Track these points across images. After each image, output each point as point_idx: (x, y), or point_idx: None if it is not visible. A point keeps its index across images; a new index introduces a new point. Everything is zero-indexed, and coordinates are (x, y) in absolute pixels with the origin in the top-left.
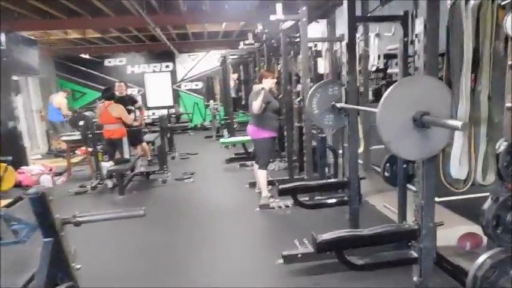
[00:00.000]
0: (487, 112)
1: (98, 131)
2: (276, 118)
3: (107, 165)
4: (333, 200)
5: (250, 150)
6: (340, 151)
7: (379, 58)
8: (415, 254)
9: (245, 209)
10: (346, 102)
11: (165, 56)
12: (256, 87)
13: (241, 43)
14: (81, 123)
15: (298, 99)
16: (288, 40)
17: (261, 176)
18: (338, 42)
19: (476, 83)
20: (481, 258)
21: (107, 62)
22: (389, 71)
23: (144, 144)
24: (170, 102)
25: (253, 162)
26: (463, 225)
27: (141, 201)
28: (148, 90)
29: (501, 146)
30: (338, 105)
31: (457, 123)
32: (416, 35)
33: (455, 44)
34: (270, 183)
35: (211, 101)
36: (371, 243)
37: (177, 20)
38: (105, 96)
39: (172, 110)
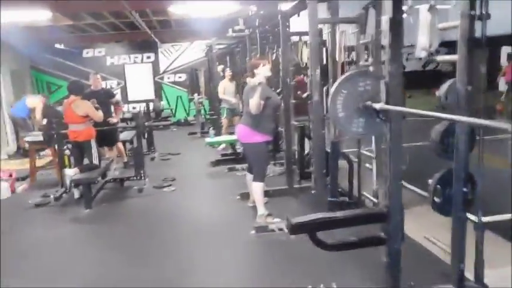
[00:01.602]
0: None
1: (64, 131)
2: (273, 118)
3: (70, 172)
4: (364, 238)
5: (240, 150)
6: (355, 159)
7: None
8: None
9: (236, 232)
10: (387, 102)
11: (146, 46)
12: (251, 82)
13: (230, 30)
14: (44, 121)
15: (305, 95)
16: (287, 24)
17: (257, 189)
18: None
19: None
20: None
21: (85, 53)
22: (440, 58)
23: (120, 144)
24: (152, 96)
25: (246, 171)
26: None
27: (109, 218)
28: (129, 83)
29: None
30: (377, 106)
31: None
32: None
33: None
34: (265, 193)
35: (196, 95)
36: (343, 225)
37: (155, 3)
38: (70, 91)
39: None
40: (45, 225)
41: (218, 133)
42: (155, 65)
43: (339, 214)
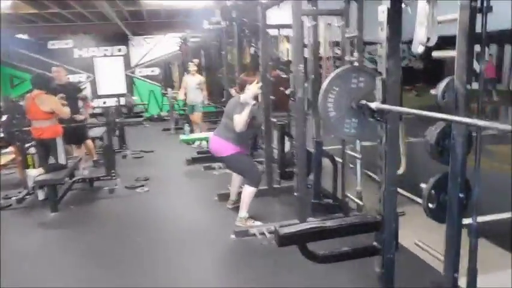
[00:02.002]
0: None
1: (27, 128)
2: (252, 136)
3: (33, 173)
4: (357, 249)
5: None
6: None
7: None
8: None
9: (214, 236)
10: (384, 101)
11: (117, 38)
12: (239, 97)
13: (206, 22)
14: (4, 117)
15: (288, 91)
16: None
17: (248, 193)
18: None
19: None
20: None
21: (50, 45)
22: (437, 54)
23: (89, 141)
24: (123, 90)
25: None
26: None
27: (78, 222)
28: (98, 77)
29: None
30: (372, 105)
31: None
32: None
33: None
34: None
35: (169, 89)
36: (336, 235)
37: None
38: (34, 85)
39: (125, 100)
40: (5, 232)
41: (193, 130)
42: (126, 58)
43: (330, 223)
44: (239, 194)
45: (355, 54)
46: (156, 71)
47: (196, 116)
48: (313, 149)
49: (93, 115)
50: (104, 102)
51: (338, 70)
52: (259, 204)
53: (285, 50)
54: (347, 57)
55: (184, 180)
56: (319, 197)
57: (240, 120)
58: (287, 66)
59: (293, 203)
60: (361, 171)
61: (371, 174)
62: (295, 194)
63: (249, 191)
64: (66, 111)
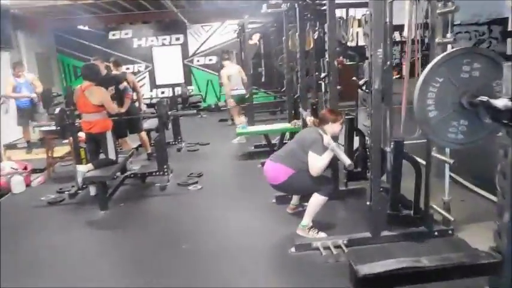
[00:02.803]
0: None
1: (78, 121)
2: None
3: (82, 169)
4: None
5: (275, 141)
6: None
7: None
8: None
9: (271, 248)
10: None
11: (175, 27)
12: (310, 124)
13: (264, 5)
14: (57, 110)
15: (362, 81)
16: None
17: (317, 201)
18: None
19: None
20: None
21: (111, 35)
22: None
23: (143, 133)
24: (181, 80)
25: None
26: None
27: (126, 222)
28: (156, 66)
29: None
30: (498, 103)
31: None
32: None
33: None
34: (302, 197)
35: None
36: (435, 278)
37: None
38: (84, 76)
39: (181, 90)
40: (53, 229)
41: (252, 121)
42: (184, 47)
43: (428, 262)
44: (301, 198)
45: (448, 35)
46: (214, 59)
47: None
48: (392, 149)
49: (150, 105)
50: (162, 92)
51: (444, 54)
52: (323, 209)
53: (355, 34)
54: (438, 39)
55: (240, 177)
56: (397, 208)
57: (319, 164)
58: (356, 52)
59: (361, 208)
60: (449, 177)
61: (462, 180)
62: (368, 203)
63: (318, 199)
64: (113, 107)
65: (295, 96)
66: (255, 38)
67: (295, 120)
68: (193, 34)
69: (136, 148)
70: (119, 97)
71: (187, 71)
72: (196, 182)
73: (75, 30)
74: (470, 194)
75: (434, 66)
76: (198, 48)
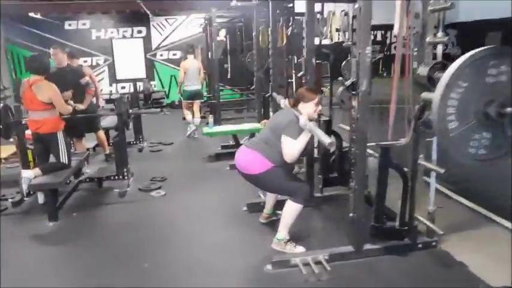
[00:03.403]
0: None
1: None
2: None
3: (28, 174)
4: None
5: (243, 141)
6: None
7: None
8: None
9: (244, 264)
10: None
11: (137, 19)
12: (284, 106)
13: None
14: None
15: (348, 82)
16: None
17: (291, 210)
18: None
19: None
20: None
21: (67, 25)
22: None
23: (100, 133)
24: (143, 74)
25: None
26: None
27: (79, 235)
28: (117, 60)
29: None
30: None
31: None
32: None
33: None
34: (276, 204)
35: None
36: None
37: None
38: (30, 69)
39: (143, 86)
40: None
41: (218, 120)
42: (147, 40)
43: None
44: (275, 205)
45: (440, 34)
46: (178, 54)
47: (193, 104)
48: (379, 156)
49: (109, 101)
50: (123, 87)
51: (469, 55)
52: (298, 218)
53: (334, 31)
54: (429, 38)
55: (206, 181)
56: (382, 219)
57: (293, 149)
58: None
59: (338, 217)
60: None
61: (446, 191)
62: (351, 214)
63: (292, 208)
64: (66, 107)
65: (266, 95)
66: (222, 34)
67: (265, 120)
68: (156, 27)
69: (94, 148)
70: (80, 92)
71: (150, 66)
72: (160, 187)
73: (27, 18)
74: (448, 201)
75: (459, 68)
76: (161, 42)
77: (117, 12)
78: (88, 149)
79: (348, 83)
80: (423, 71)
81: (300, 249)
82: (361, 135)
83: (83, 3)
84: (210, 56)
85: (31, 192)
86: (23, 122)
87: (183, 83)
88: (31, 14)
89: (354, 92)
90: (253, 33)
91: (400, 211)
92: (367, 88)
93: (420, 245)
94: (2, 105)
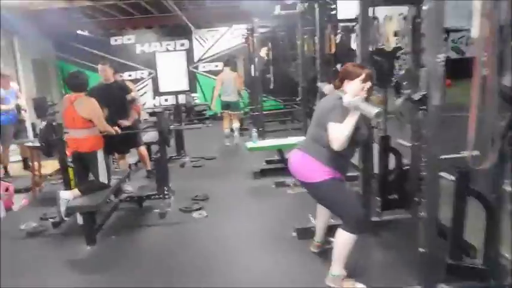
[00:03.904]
0: None
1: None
2: (352, 155)
3: (67, 195)
4: None
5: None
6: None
7: None
8: None
9: None
10: None
11: (179, 31)
12: (329, 92)
13: (277, 7)
14: (43, 124)
15: (417, 95)
16: None
17: (343, 241)
18: None
19: None
20: None
21: (113, 41)
22: None
23: (142, 148)
24: (185, 87)
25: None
26: None
27: (117, 261)
28: (160, 73)
29: None
30: None
31: None
32: None
33: None
34: (328, 229)
35: None
36: None
37: None
38: (70, 87)
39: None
40: (25, 269)
41: (263, 134)
42: (189, 52)
43: None
44: (327, 231)
45: None
46: (220, 65)
47: (232, 116)
48: (455, 182)
49: (152, 114)
50: (166, 100)
51: None
52: (353, 247)
53: (391, 36)
54: None
55: (252, 201)
56: (459, 256)
57: (339, 134)
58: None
59: (400, 246)
60: None
61: None
62: (421, 249)
63: (345, 238)
64: (105, 125)
65: (313, 106)
66: (264, 50)
67: None
68: (198, 39)
69: (135, 164)
70: (124, 109)
71: (192, 78)
72: (202, 208)
73: (75, 36)
74: None
75: None
76: (203, 54)
77: (160, 27)
78: (130, 165)
79: (416, 96)
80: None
81: (359, 286)
82: (432, 158)
83: (129, 19)
84: (252, 67)
85: (67, 217)
86: (64, 139)
87: (219, 95)
88: (79, 32)
89: (423, 107)
90: (298, 42)
91: (484, 247)
92: (440, 102)
93: None
94: (45, 123)
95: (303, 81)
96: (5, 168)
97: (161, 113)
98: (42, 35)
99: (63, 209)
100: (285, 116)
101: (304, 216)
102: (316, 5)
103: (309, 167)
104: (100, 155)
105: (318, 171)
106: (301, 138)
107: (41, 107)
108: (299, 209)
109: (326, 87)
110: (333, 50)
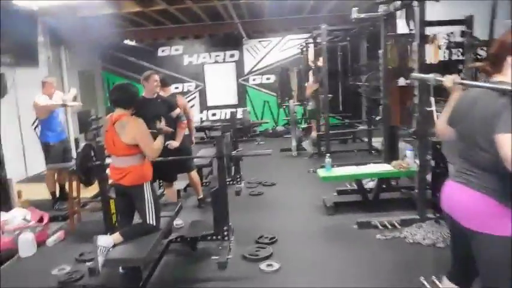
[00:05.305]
0: None
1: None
2: None
3: (105, 242)
4: None
5: (368, 186)
6: None
7: None
8: None
9: None
10: None
11: (229, 42)
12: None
13: (355, 10)
14: (82, 146)
15: None
16: None
17: None
18: None
19: None
20: None
21: (160, 52)
22: None
23: (193, 173)
24: (234, 101)
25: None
26: None
27: None
28: (208, 86)
29: None
30: None
31: None
32: None
33: None
34: None
35: (291, 100)
36: None
37: None
38: (113, 102)
39: (239, 113)
40: None
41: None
42: (239, 64)
43: None
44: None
45: None
46: (272, 78)
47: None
48: None
49: (199, 129)
50: (214, 114)
51: None
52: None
53: None
54: None
55: (331, 248)
56: None
57: None
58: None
59: None
60: None
61: None
62: None
63: None
64: (154, 151)
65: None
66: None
67: (399, 162)
68: (249, 50)
69: (185, 189)
70: (172, 128)
71: (242, 91)
72: (271, 255)
73: (122, 46)
74: None
75: None
76: (254, 66)
77: (209, 36)
78: (179, 191)
79: None
80: None
81: None
82: None
83: (176, 27)
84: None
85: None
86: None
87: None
88: (126, 41)
89: None
90: (380, 51)
91: None
92: None
93: None
94: (84, 144)
95: (384, 98)
96: (52, 194)
97: (221, 137)
98: (89, 44)
99: (101, 259)
100: (345, 135)
101: (406, 274)
102: (416, 4)
103: (475, 206)
104: (147, 190)
105: (491, 214)
106: (386, 167)
107: (85, 122)
108: (400, 264)
109: (449, 79)
110: (437, 59)
